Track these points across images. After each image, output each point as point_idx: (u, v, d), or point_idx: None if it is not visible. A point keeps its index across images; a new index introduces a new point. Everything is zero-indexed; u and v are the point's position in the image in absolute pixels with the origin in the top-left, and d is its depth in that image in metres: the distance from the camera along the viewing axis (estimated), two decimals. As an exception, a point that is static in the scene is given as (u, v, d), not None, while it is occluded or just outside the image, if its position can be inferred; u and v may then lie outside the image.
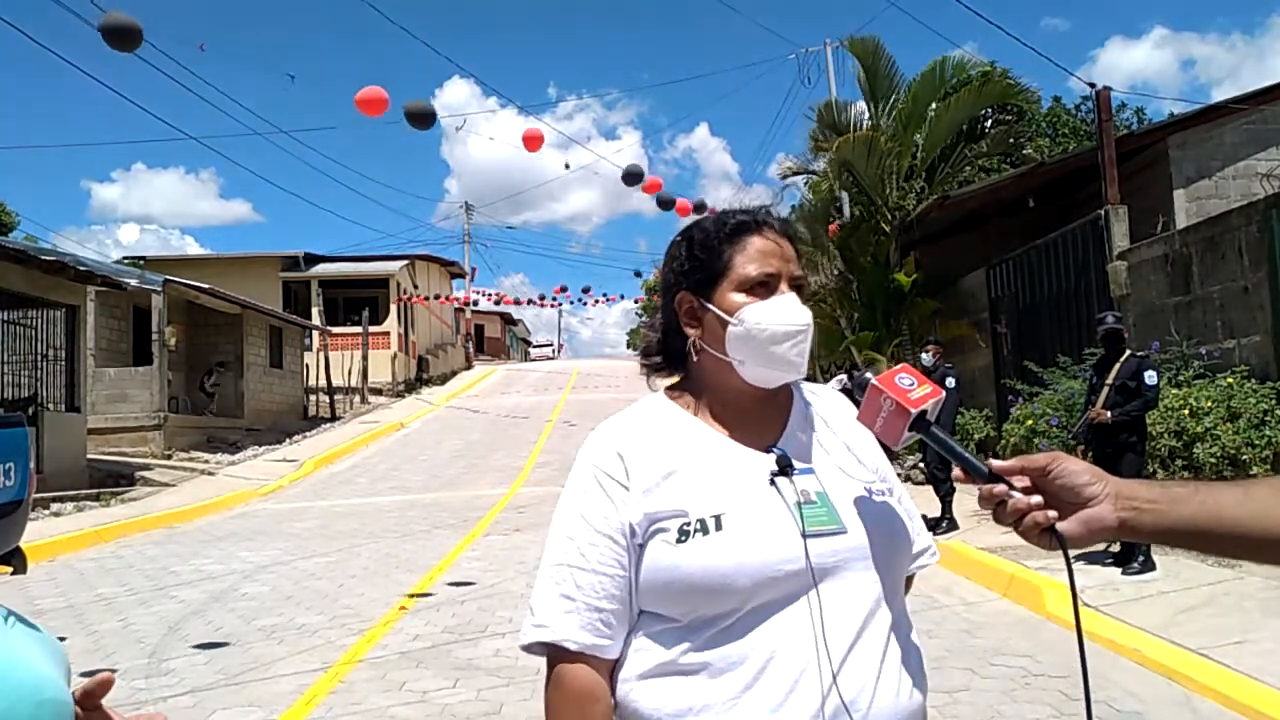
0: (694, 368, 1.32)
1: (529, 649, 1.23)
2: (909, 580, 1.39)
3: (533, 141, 13.24)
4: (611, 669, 1.21)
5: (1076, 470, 1.03)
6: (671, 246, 1.36)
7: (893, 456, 1.50)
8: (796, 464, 1.23)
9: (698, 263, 1.29)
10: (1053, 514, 1.02)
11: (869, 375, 1.19)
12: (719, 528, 1.16)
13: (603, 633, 1.19)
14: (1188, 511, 1.01)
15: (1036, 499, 1.03)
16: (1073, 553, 1.02)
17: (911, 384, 1.16)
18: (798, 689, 1.12)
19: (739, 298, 1.25)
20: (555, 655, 1.20)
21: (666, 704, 1.15)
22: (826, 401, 1.36)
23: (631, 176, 14.39)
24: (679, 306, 1.31)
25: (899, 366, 1.21)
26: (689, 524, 1.17)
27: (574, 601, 1.19)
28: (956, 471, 1.12)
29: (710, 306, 1.27)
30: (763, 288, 1.25)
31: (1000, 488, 1.05)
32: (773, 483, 1.21)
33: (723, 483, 1.21)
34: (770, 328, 1.23)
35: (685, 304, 1.30)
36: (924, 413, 1.14)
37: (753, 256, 1.26)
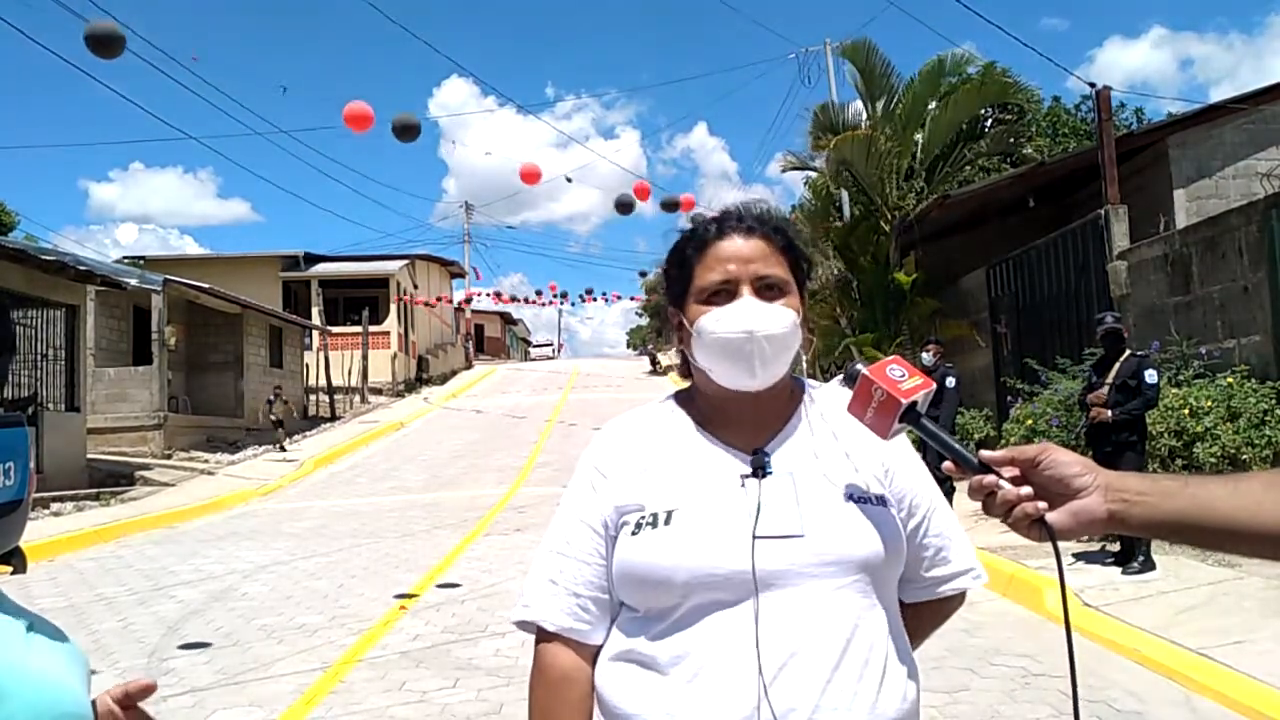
0: (693, 373, 1.35)
1: (520, 626, 1.30)
2: (952, 600, 1.33)
3: (530, 177, 13.35)
4: (595, 655, 1.26)
5: (1066, 461, 1.03)
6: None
7: None
8: (775, 467, 1.22)
9: (673, 277, 1.32)
10: (1042, 505, 1.01)
11: (859, 366, 1.17)
12: (667, 523, 1.19)
13: (581, 618, 1.24)
14: (1178, 504, 1.00)
15: (1026, 490, 1.02)
16: (1074, 551, 1.01)
17: (902, 375, 1.14)
18: (731, 691, 1.12)
19: (699, 308, 1.26)
20: (538, 635, 1.27)
21: (620, 691, 1.20)
22: (841, 405, 1.34)
23: (624, 206, 14.55)
24: (671, 320, 1.34)
25: (890, 358, 1.20)
26: (644, 517, 1.21)
27: (557, 586, 1.26)
28: (947, 464, 1.10)
29: (684, 318, 1.29)
30: (723, 295, 1.25)
31: (990, 479, 1.04)
32: (744, 484, 1.21)
33: (688, 480, 1.23)
34: (718, 334, 1.23)
35: (673, 318, 1.33)
36: (914, 404, 1.13)
37: (710, 265, 1.26)
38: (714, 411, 1.29)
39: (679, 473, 1.24)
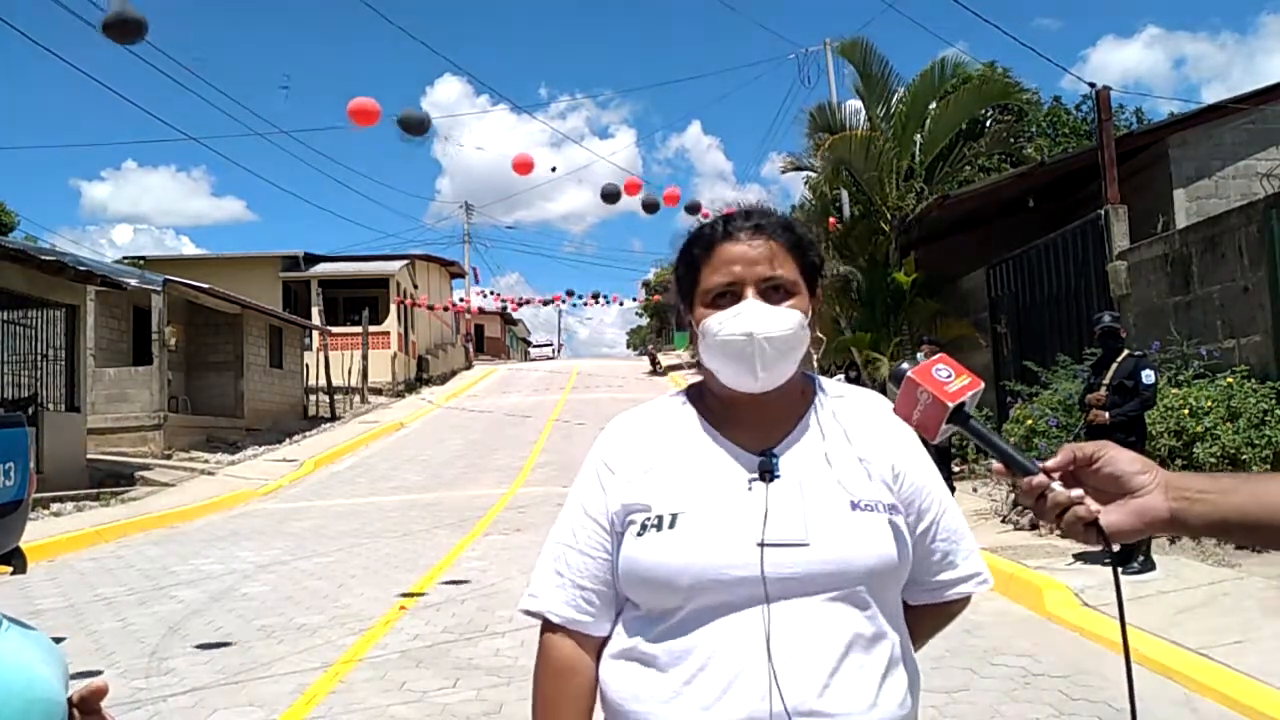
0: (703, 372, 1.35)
1: (527, 614, 1.32)
2: (957, 604, 1.34)
3: (523, 167, 13.25)
4: (599, 646, 1.27)
5: (1125, 459, 0.98)
6: None
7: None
8: (784, 471, 1.22)
9: (681, 278, 1.32)
10: (1096, 507, 0.97)
11: (905, 366, 1.14)
12: (672, 525, 1.19)
13: (585, 610, 1.26)
14: (1239, 501, 0.96)
15: (1078, 492, 0.98)
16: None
17: (949, 376, 1.11)
18: (732, 691, 1.12)
19: (704, 310, 1.26)
20: (543, 625, 1.29)
21: (621, 687, 1.22)
22: (856, 406, 1.32)
23: (610, 196, 14.47)
24: (684, 318, 1.34)
25: (936, 357, 1.17)
26: (650, 518, 1.22)
27: (563, 578, 1.27)
28: (997, 465, 1.06)
29: (691, 319, 1.29)
30: (728, 297, 1.24)
31: (1039, 479, 0.99)
32: (751, 488, 1.21)
33: (695, 482, 1.22)
34: (720, 336, 1.22)
35: (685, 316, 1.33)
36: (962, 405, 1.10)
37: (715, 267, 1.26)
38: (724, 410, 1.29)
39: (686, 474, 1.23)
